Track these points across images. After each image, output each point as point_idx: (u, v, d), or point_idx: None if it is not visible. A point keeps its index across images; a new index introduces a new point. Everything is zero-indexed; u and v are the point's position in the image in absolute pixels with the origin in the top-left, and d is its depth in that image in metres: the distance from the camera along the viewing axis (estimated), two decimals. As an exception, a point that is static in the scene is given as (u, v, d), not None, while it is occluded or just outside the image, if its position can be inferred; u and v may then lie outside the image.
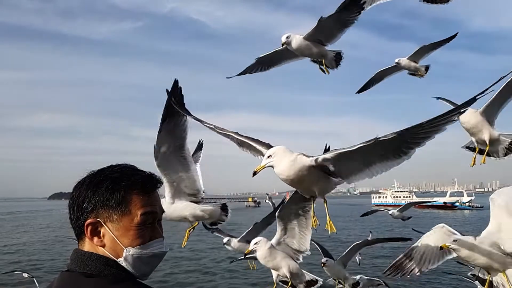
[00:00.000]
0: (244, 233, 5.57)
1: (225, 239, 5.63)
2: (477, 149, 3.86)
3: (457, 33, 5.20)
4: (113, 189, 1.28)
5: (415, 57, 5.49)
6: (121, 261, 1.27)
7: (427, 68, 5.63)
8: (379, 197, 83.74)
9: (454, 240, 3.17)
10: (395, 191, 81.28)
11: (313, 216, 3.04)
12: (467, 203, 68.91)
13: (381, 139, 2.28)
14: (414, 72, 5.59)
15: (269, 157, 2.60)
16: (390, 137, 2.26)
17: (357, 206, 77.76)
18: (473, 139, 3.81)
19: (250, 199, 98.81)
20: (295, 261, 4.13)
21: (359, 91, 5.85)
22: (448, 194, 74.76)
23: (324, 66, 4.11)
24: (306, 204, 3.78)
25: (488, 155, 3.78)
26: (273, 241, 4.10)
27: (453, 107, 2.60)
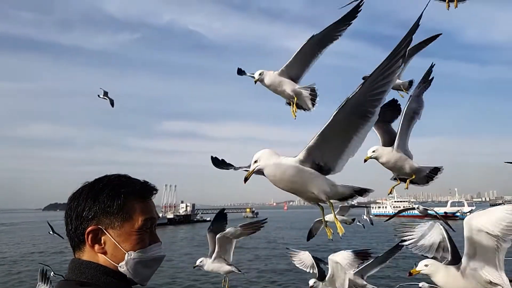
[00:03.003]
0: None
1: (198, 262, 5.78)
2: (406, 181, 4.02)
3: (440, 33, 5.15)
4: (114, 196, 1.34)
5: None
6: (122, 265, 1.31)
7: (410, 82, 5.72)
8: (379, 207, 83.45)
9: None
10: (395, 201, 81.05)
11: (326, 226, 2.95)
12: (468, 213, 68.59)
13: (350, 96, 2.27)
14: (397, 88, 5.65)
15: (255, 162, 2.58)
16: (357, 92, 2.26)
17: (356, 217, 77.32)
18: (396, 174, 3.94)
19: (248, 210, 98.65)
20: None
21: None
22: (448, 204, 74.54)
23: (294, 109, 3.96)
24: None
25: (412, 182, 3.91)
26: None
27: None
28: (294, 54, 3.79)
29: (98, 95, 10.70)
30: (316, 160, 2.61)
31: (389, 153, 3.67)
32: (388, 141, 3.84)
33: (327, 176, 2.69)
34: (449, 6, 4.40)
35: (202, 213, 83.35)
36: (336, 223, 2.85)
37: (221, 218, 6.28)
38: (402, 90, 5.83)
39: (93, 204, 1.32)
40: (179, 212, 74.40)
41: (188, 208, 75.90)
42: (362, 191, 2.82)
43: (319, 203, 2.79)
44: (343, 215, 5.85)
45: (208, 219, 79.32)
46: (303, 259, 6.06)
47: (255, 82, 3.92)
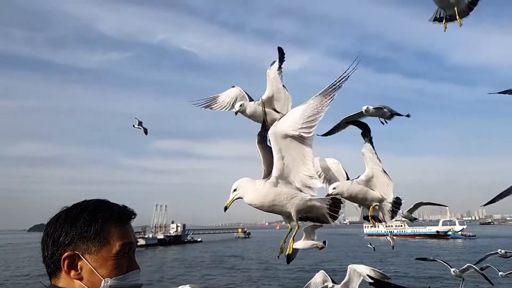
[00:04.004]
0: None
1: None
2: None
3: (408, 114, 5.44)
4: (91, 220, 1.32)
5: (380, 109, 5.84)
6: None
7: (392, 114, 5.97)
8: (371, 226, 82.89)
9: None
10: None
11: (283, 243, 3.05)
12: (460, 232, 68.78)
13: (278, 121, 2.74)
14: (380, 115, 5.92)
15: (234, 190, 2.75)
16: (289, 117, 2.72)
17: (349, 236, 76.94)
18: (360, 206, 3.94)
19: (239, 230, 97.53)
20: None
21: (325, 135, 6.03)
22: (440, 223, 74.65)
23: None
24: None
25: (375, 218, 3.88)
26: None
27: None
28: (267, 82, 3.85)
29: (133, 125, 10.78)
30: (290, 179, 2.81)
31: (349, 187, 3.64)
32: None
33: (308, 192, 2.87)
34: (446, 27, 4.56)
35: (193, 234, 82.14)
36: (289, 244, 3.00)
37: None
38: (383, 118, 6.09)
39: (70, 229, 1.30)
40: (170, 233, 73.16)
41: (179, 229, 74.72)
42: (336, 203, 3.04)
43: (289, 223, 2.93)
44: (312, 239, 5.73)
45: (199, 239, 78.24)
46: (315, 280, 5.89)
47: (236, 113, 3.97)
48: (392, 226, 78.03)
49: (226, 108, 4.33)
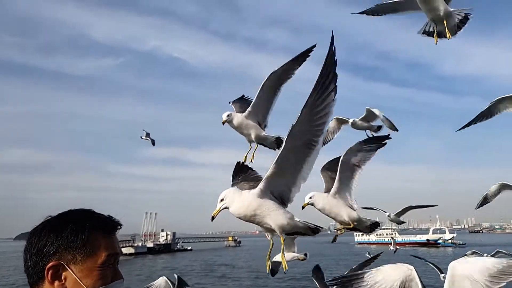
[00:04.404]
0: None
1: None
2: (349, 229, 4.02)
3: (389, 135, 5.57)
4: (78, 230, 1.31)
5: (367, 118, 6.06)
6: None
7: (379, 127, 6.17)
8: (362, 234, 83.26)
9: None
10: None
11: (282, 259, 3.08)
12: (450, 240, 69.29)
13: (294, 123, 2.51)
14: (367, 128, 6.13)
15: (221, 200, 2.80)
16: (300, 120, 2.50)
17: (339, 244, 76.91)
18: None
19: (230, 238, 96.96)
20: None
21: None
22: (430, 231, 75.13)
23: (253, 152, 4.06)
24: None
25: (356, 229, 3.90)
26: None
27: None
28: (257, 92, 3.83)
29: (141, 137, 10.83)
30: (274, 191, 2.85)
31: (324, 199, 3.63)
32: (331, 189, 3.77)
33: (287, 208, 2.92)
34: (437, 40, 4.66)
35: (183, 242, 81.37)
36: (282, 261, 3.06)
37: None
38: (370, 131, 6.29)
39: (55, 238, 1.29)
40: (159, 241, 72.32)
41: (169, 237, 73.95)
42: (315, 230, 3.08)
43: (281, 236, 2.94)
44: (293, 251, 5.67)
45: (189, 248, 77.46)
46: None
47: (223, 123, 3.98)
48: (382, 234, 78.51)
49: None
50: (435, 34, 4.57)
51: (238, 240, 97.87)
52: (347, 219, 3.67)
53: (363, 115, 5.92)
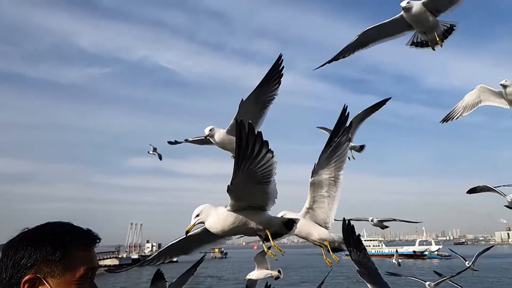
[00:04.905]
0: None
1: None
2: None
3: (390, 97, 5.78)
4: (57, 243, 1.29)
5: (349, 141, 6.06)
6: None
7: (362, 146, 6.25)
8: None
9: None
10: (365, 240, 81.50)
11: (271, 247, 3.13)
12: (436, 252, 69.88)
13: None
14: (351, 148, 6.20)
15: (197, 215, 2.89)
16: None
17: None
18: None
19: (216, 250, 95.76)
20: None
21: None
22: (417, 243, 75.68)
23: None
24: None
25: (335, 250, 3.91)
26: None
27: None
28: (237, 111, 3.81)
29: (148, 152, 10.91)
30: (248, 202, 2.91)
31: (300, 220, 3.53)
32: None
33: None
34: (434, 48, 4.76)
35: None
36: (275, 246, 3.10)
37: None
38: (353, 150, 6.37)
39: (33, 251, 1.26)
40: (144, 252, 71.00)
41: (154, 248, 72.62)
42: (289, 223, 3.18)
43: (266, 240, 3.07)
44: (266, 267, 5.52)
45: (175, 259, 75.82)
46: None
47: (205, 138, 3.98)
48: (370, 246, 78.80)
49: None
50: (430, 43, 4.68)
51: (224, 251, 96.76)
52: (318, 238, 3.62)
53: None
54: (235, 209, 2.89)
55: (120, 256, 64.34)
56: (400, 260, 17.29)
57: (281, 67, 3.61)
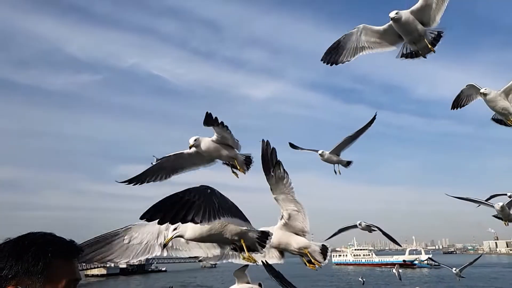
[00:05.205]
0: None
1: None
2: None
3: (375, 114, 5.82)
4: (39, 255, 1.26)
5: (337, 150, 6.25)
6: None
7: (348, 162, 6.39)
8: (340, 255, 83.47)
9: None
10: (355, 249, 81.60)
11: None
12: (426, 261, 70.20)
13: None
14: (337, 162, 6.39)
15: (174, 228, 2.99)
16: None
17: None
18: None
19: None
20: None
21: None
22: (407, 252, 76.00)
23: (237, 168, 4.21)
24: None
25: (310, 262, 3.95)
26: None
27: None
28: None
29: (151, 163, 10.97)
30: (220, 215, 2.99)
31: (274, 232, 3.61)
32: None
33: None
34: (425, 56, 4.83)
35: (157, 263, 78.96)
36: (249, 257, 3.17)
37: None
38: (340, 165, 6.53)
39: (15, 263, 1.25)
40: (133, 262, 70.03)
41: (143, 257, 71.71)
42: (263, 235, 3.26)
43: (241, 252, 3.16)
44: (246, 281, 5.48)
45: (163, 269, 75.21)
46: None
47: (190, 147, 4.01)
48: (360, 255, 78.90)
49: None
50: (420, 53, 4.76)
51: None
52: (296, 247, 3.69)
53: (335, 147, 6.12)
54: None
55: (107, 265, 63.23)
56: (400, 271, 17.28)
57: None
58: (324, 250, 3.84)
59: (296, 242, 3.67)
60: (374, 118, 5.75)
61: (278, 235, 3.58)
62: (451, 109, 5.62)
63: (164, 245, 3.01)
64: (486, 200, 7.74)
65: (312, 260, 3.74)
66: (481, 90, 4.98)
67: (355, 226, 8.39)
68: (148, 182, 4.43)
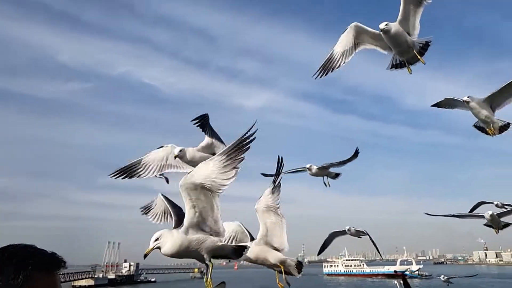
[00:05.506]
0: None
1: None
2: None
3: (357, 149, 6.18)
4: (20, 268, 1.24)
5: (323, 170, 6.52)
6: None
7: (337, 174, 6.65)
8: (331, 266, 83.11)
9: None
10: (346, 260, 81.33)
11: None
12: (416, 272, 70.19)
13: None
14: (326, 175, 6.64)
15: (156, 240, 3.08)
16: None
17: (308, 276, 76.27)
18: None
19: (196, 270, 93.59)
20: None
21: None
22: (398, 262, 75.94)
23: None
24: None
25: (286, 273, 4.02)
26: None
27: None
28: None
29: (156, 175, 10.83)
30: (201, 226, 3.18)
31: (252, 248, 3.71)
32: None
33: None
34: (411, 70, 4.92)
35: (146, 273, 77.71)
36: (209, 284, 3.28)
37: None
38: (328, 177, 6.77)
39: None
40: (122, 272, 68.70)
41: (132, 268, 70.44)
42: (240, 249, 3.42)
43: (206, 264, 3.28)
44: None
45: (153, 279, 74.01)
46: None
47: (175, 157, 4.04)
48: (351, 266, 78.60)
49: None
50: (407, 66, 4.84)
51: (204, 271, 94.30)
52: (274, 262, 3.78)
53: (321, 166, 6.36)
54: (189, 232, 3.15)
55: (96, 276, 62.01)
56: (401, 282, 17.23)
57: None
58: (299, 266, 3.97)
59: (272, 257, 3.75)
60: (357, 153, 6.18)
61: (256, 250, 3.67)
62: (431, 106, 5.67)
63: (145, 255, 3.12)
64: (474, 208, 7.86)
65: (284, 278, 3.88)
66: (464, 98, 5.07)
67: (345, 232, 8.46)
68: (138, 176, 4.36)
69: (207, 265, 3.29)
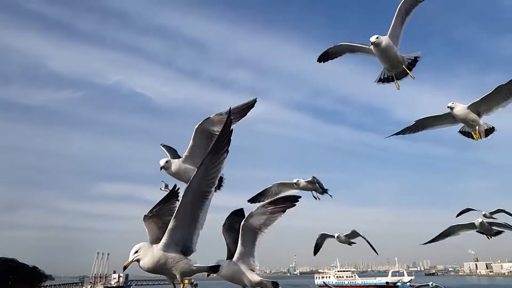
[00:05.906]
0: None
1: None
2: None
3: (327, 189, 6.70)
4: (1, 282, 1.22)
5: (311, 184, 6.70)
6: None
7: (324, 190, 6.84)
8: (322, 277, 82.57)
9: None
10: (338, 271, 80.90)
11: None
12: (408, 283, 70.05)
13: (192, 178, 3.04)
14: (313, 189, 6.81)
15: (135, 252, 3.11)
16: (196, 176, 3.02)
17: (300, 287, 75.62)
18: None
19: (186, 281, 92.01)
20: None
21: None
22: (390, 273, 75.75)
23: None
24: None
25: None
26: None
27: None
28: (192, 137, 4.08)
29: (160, 188, 11.00)
30: (177, 242, 3.20)
31: (226, 267, 3.74)
32: (234, 251, 3.92)
33: (190, 256, 3.32)
34: (398, 86, 4.99)
35: (136, 285, 76.41)
36: None
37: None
38: (316, 192, 6.89)
39: None
40: (111, 284, 67.41)
41: (121, 279, 69.13)
42: (213, 268, 3.50)
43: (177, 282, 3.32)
44: None
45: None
46: None
47: (161, 169, 4.02)
48: (343, 277, 78.20)
49: None
50: (395, 81, 4.91)
51: (194, 283, 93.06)
52: (248, 284, 3.82)
53: (309, 179, 6.50)
54: (167, 247, 3.19)
55: (84, 287, 60.79)
56: None
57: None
58: (275, 286, 3.99)
59: (248, 280, 3.80)
60: (325, 192, 6.62)
61: (232, 270, 3.73)
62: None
63: (124, 267, 3.14)
64: (461, 212, 8.01)
65: None
66: (448, 104, 5.13)
67: (333, 237, 8.53)
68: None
69: (174, 285, 3.36)
